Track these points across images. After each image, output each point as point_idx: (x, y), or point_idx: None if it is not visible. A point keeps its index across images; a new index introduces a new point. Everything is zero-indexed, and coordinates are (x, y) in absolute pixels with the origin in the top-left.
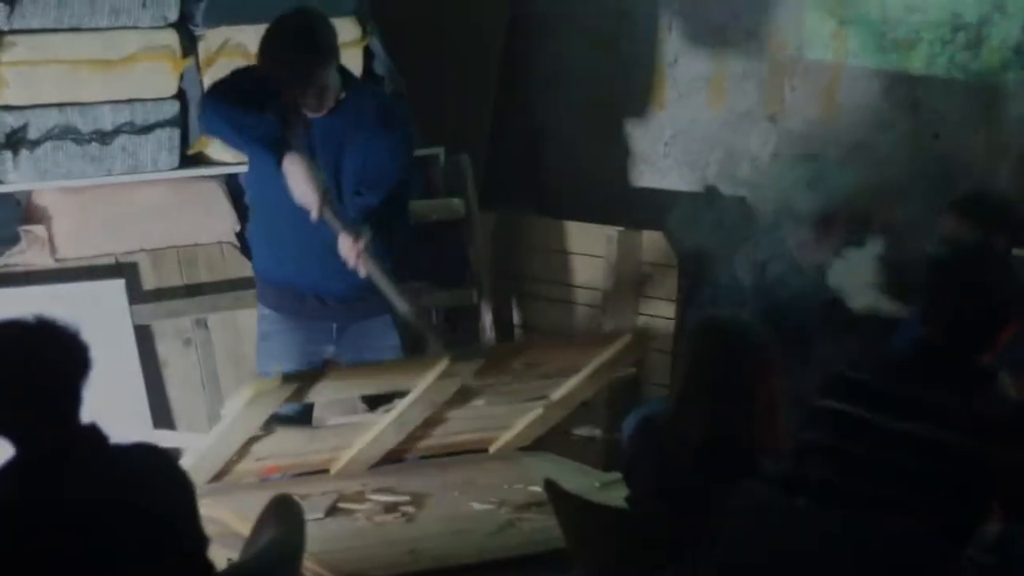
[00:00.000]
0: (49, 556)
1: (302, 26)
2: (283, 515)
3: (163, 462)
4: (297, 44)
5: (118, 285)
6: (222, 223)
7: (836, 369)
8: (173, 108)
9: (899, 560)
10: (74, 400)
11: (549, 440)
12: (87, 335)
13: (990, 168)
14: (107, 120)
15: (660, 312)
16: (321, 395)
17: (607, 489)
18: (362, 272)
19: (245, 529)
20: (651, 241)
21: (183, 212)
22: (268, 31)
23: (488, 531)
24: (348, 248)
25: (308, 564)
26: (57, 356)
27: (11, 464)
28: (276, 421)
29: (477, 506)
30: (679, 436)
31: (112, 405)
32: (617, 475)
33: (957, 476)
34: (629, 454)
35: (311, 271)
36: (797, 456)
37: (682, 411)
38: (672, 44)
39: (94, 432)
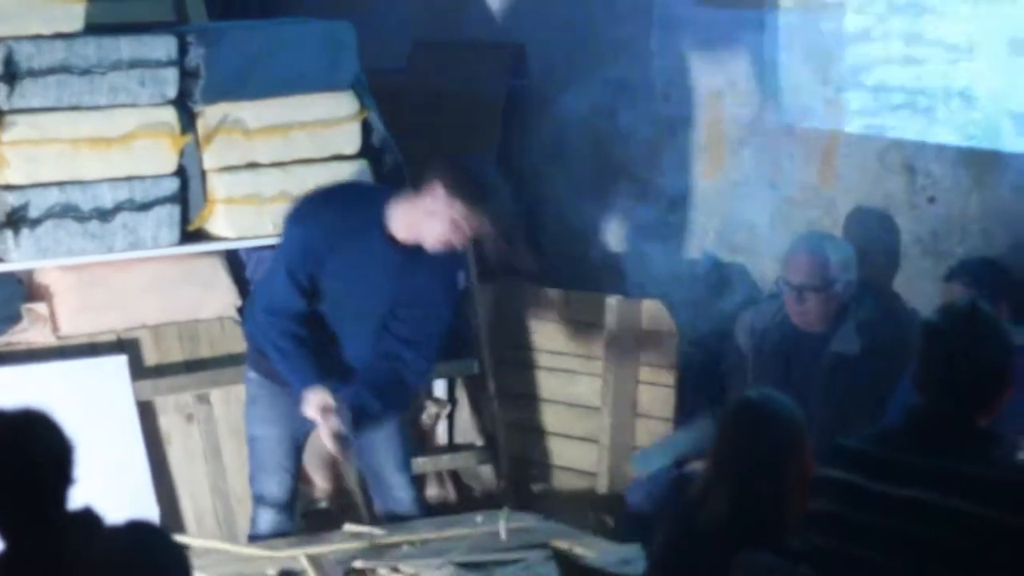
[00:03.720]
0: None
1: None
2: None
3: (157, 541)
4: (500, 190)
5: (120, 361)
6: (223, 298)
7: (833, 438)
8: (173, 185)
9: None
10: (59, 488)
11: (547, 504)
12: (86, 413)
13: (985, 232)
14: (107, 198)
15: (660, 380)
16: None
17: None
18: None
19: None
20: (650, 309)
21: (184, 288)
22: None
23: None
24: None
25: None
26: (33, 448)
27: (1, 559)
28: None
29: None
30: (710, 509)
31: (115, 481)
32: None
33: (958, 541)
34: (662, 516)
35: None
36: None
37: (714, 487)
38: (668, 112)
39: (86, 517)
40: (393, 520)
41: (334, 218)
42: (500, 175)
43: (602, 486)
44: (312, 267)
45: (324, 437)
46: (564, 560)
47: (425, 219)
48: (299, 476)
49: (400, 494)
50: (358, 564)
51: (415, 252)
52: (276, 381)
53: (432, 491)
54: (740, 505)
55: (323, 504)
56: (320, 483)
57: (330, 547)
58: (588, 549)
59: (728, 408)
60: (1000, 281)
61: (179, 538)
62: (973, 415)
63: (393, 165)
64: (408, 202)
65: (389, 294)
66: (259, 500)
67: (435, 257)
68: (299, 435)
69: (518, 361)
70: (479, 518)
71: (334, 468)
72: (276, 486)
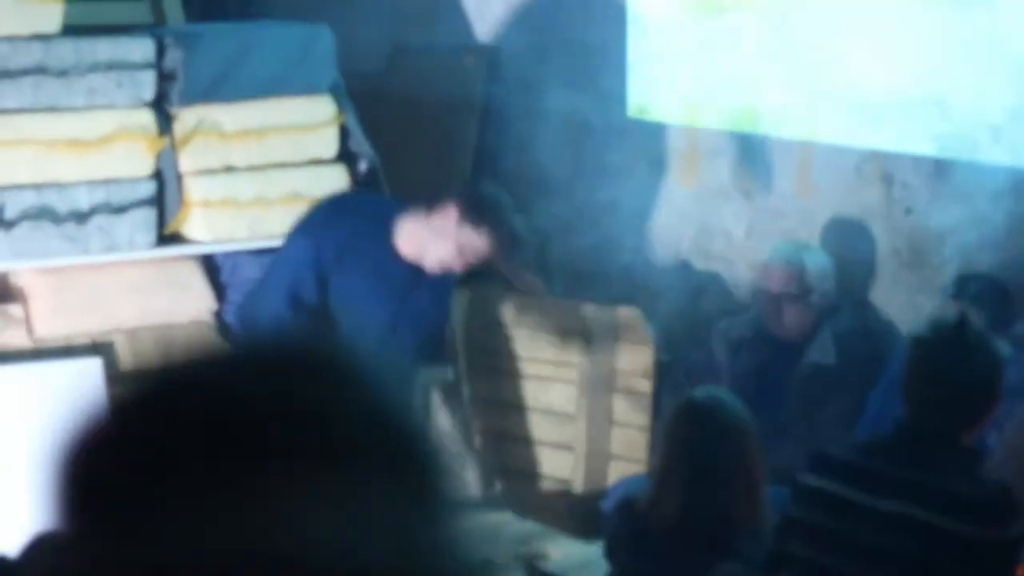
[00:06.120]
0: None
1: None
2: None
3: None
4: (512, 221)
5: (95, 364)
6: (199, 302)
7: (818, 447)
8: (149, 188)
9: None
10: None
11: (522, 511)
12: (60, 416)
13: (962, 244)
14: (83, 200)
15: (636, 388)
16: None
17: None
18: None
19: None
20: (626, 316)
21: (159, 291)
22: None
23: None
24: None
25: None
26: None
27: None
28: None
29: None
30: (659, 516)
31: None
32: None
33: (938, 556)
34: (610, 532)
35: None
36: (780, 533)
37: (662, 491)
38: (643, 118)
39: None
40: None
41: (342, 233)
42: (513, 206)
43: (577, 493)
44: (316, 287)
45: None
46: (529, 566)
47: (432, 239)
48: None
49: None
50: None
51: (417, 270)
52: None
53: None
54: (688, 507)
55: None
56: None
57: None
58: (559, 549)
59: (676, 406)
60: (1002, 299)
61: None
62: (959, 431)
63: (370, 170)
64: (418, 220)
65: (389, 315)
66: None
67: (433, 276)
68: None
69: (492, 367)
70: None
71: None
72: None
